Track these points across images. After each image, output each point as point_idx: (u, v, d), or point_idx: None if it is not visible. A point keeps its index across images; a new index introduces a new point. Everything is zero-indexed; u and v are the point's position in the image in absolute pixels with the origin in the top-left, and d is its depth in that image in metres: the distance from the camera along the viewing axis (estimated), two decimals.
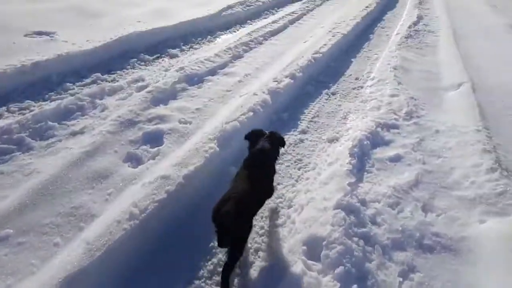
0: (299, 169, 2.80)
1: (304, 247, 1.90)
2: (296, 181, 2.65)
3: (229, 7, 6.97)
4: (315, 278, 1.75)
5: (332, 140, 3.18)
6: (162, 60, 4.57)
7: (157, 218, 2.08)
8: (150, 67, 4.30)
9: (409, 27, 6.70)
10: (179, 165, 2.44)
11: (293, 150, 3.03)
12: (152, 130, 2.95)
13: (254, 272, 1.93)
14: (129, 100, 3.36)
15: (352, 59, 5.36)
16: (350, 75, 4.83)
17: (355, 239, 1.93)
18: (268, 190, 2.15)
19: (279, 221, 2.26)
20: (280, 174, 2.69)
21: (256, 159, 2.11)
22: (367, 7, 8.14)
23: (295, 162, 2.88)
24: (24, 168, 2.42)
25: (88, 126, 2.96)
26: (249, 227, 1.89)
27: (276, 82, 3.95)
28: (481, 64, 4.91)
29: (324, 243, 1.88)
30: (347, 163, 2.55)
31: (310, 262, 1.85)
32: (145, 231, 2.01)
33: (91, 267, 1.74)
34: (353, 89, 4.39)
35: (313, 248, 1.90)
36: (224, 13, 6.63)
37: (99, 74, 3.87)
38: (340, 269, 1.75)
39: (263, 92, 3.63)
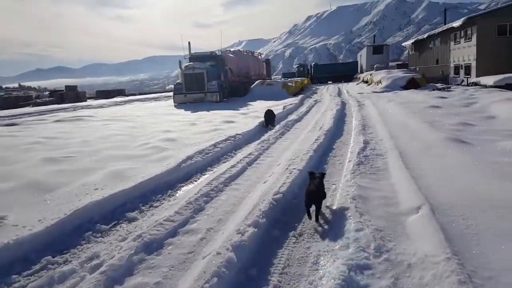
0: None
1: None
2: None
3: (189, 157, 7.20)
4: None
5: None
6: (120, 227, 4.40)
7: None
8: (107, 238, 4.08)
9: (358, 153, 7.15)
10: None
11: None
12: None
13: None
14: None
15: None
16: (314, 210, 4.83)
17: None
18: (323, 191, 4.59)
19: None
20: None
21: (317, 181, 4.56)
22: (316, 139, 8.76)
23: None
24: None
25: None
26: (322, 198, 4.48)
27: (240, 234, 3.83)
28: (432, 182, 5.14)
29: None
30: None
31: None
32: None
33: None
34: (319, 226, 4.35)
35: None
36: (183, 164, 6.80)
37: (49, 257, 3.59)
38: None
39: (227, 249, 3.48)
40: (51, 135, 10.33)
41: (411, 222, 3.98)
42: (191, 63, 23.26)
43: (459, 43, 30.11)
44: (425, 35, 38.27)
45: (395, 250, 3.41)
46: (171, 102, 23.60)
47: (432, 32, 36.77)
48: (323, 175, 4.84)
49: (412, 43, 43.00)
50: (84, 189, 5.30)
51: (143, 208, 5.00)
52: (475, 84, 23.51)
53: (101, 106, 24.58)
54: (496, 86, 20.18)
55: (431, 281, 2.83)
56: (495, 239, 3.40)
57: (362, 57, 56.79)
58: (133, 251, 3.53)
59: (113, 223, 4.45)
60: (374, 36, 77.78)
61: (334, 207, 4.71)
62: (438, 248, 3.23)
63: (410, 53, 45.23)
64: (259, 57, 38.42)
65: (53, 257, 3.62)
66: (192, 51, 25.41)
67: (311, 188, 4.46)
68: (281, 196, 5.07)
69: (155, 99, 32.66)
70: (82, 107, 24.45)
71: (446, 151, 6.61)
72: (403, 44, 51.63)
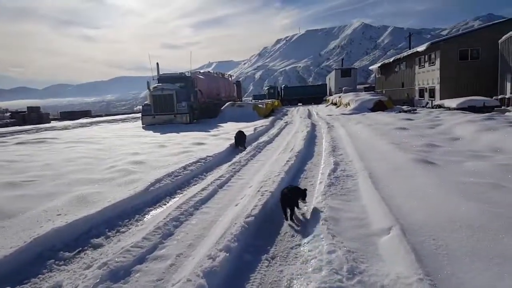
0: None
1: None
2: None
3: (157, 181, 7.00)
4: None
5: None
6: (85, 254, 4.17)
7: None
8: (70, 266, 3.85)
9: (329, 174, 7.20)
10: None
11: None
12: None
13: None
14: None
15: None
16: (286, 232, 4.80)
17: None
18: (297, 197, 5.22)
19: None
20: None
21: (292, 187, 5.26)
22: (288, 161, 8.79)
23: None
24: None
25: None
26: (296, 203, 5.22)
27: (211, 260, 3.72)
28: (402, 203, 5.22)
29: None
30: None
31: None
32: None
33: None
34: (291, 248, 4.30)
35: None
36: (152, 188, 6.60)
37: None
38: None
39: (198, 276, 3.35)
40: (11, 158, 9.84)
41: (383, 243, 4.00)
42: (160, 84, 23.03)
43: (424, 67, 31.66)
44: (391, 59, 40.00)
45: (368, 271, 3.40)
46: (139, 123, 23.20)
47: (398, 56, 38.51)
48: (294, 189, 5.36)
49: (379, 66, 44.81)
50: (46, 215, 5.02)
51: (109, 234, 4.78)
52: (439, 106, 24.63)
53: (65, 128, 23.76)
54: (459, 108, 21.23)
55: None
56: (465, 258, 3.45)
57: (331, 80, 58.39)
58: (98, 280, 3.34)
59: (77, 251, 4.21)
60: (342, 59, 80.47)
61: (307, 229, 4.68)
62: (410, 269, 3.24)
63: (377, 76, 47.04)
64: (230, 78, 38.71)
65: None
66: (161, 72, 25.24)
67: (283, 191, 5.16)
68: (253, 219, 4.99)
69: (123, 120, 32.01)
70: (46, 129, 23.52)
71: (414, 172, 6.77)
72: (370, 67, 53.68)
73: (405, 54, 35.86)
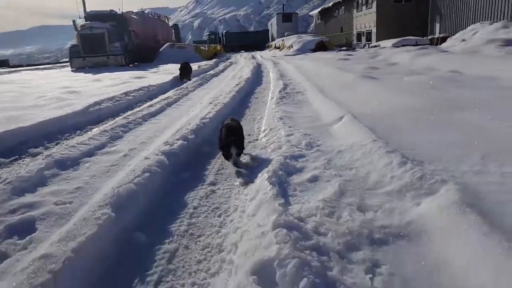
0: (219, 216, 2.43)
1: (254, 277, 1.50)
2: (220, 227, 2.27)
3: (97, 103, 6.50)
4: None
5: (246, 184, 2.90)
6: (22, 160, 3.77)
7: None
8: (6, 169, 3.48)
9: (280, 91, 7.22)
10: (63, 240, 1.83)
11: (207, 201, 2.67)
12: (17, 220, 2.26)
13: None
14: None
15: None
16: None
17: (307, 251, 1.66)
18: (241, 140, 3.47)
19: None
20: (199, 226, 2.27)
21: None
22: (237, 84, 8.72)
23: (212, 211, 2.51)
24: None
25: None
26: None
27: (169, 145, 3.60)
28: (352, 104, 5.31)
29: (275, 263, 1.52)
30: (270, 190, 2.29)
31: None
32: None
33: None
34: (249, 142, 4.27)
35: (265, 274, 1.52)
36: (91, 108, 6.15)
37: None
38: (304, 282, 1.43)
39: (157, 155, 3.24)
40: None
41: (335, 128, 4.15)
42: (88, 22, 20.28)
43: (361, 10, 32.12)
44: (331, 3, 39.96)
45: (324, 145, 3.51)
46: (67, 69, 21.21)
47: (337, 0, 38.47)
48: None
49: (319, 11, 44.78)
50: None
51: (48, 145, 4.34)
52: (376, 47, 25.45)
53: None
54: (394, 47, 22.07)
55: (361, 156, 2.97)
56: (411, 128, 3.71)
57: (272, 26, 57.51)
58: (43, 166, 3.09)
59: (13, 157, 3.79)
60: (283, 5, 78.98)
61: (263, 127, 4.70)
62: (363, 137, 3.38)
63: (317, 22, 47.19)
64: (167, 21, 36.15)
65: None
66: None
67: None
68: (208, 120, 4.89)
69: (48, 68, 29.27)
70: None
71: (360, 85, 7.00)
72: (310, 13, 53.51)
73: None
